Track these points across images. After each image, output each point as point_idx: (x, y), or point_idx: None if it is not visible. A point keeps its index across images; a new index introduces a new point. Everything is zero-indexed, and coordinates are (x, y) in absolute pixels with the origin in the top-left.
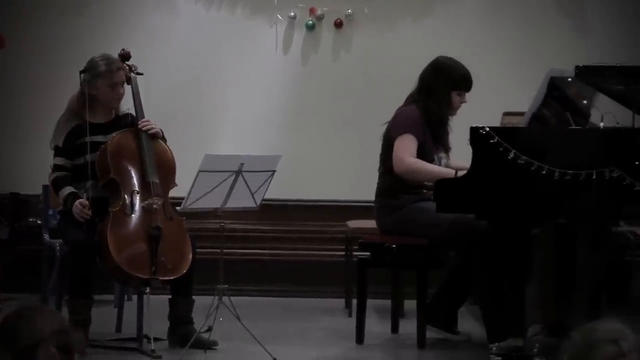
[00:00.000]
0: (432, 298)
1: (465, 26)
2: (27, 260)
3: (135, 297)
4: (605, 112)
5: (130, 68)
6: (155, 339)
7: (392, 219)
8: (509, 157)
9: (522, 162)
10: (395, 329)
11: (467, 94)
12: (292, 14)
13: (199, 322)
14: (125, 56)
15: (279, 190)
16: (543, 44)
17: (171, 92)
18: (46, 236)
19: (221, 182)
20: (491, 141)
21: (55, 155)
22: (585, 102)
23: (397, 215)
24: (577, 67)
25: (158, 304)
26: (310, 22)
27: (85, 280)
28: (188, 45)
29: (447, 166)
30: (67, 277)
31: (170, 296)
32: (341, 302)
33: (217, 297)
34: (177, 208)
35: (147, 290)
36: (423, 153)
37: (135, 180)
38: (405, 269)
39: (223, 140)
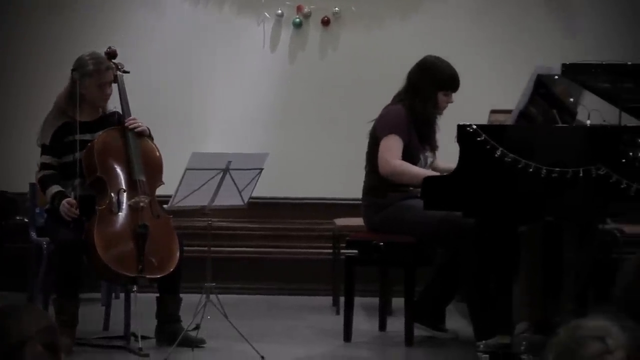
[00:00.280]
0: (420, 296)
1: (452, 24)
2: (13, 259)
3: (122, 296)
4: (592, 110)
5: (117, 66)
6: (143, 337)
7: (379, 217)
8: (496, 155)
9: (509, 159)
10: (382, 326)
11: (454, 93)
12: (280, 11)
13: (186, 320)
14: (111, 54)
15: (267, 188)
16: (530, 42)
17: (158, 90)
18: (33, 234)
19: (208, 180)
20: (478, 139)
21: (42, 153)
22: (571, 99)
23: (384, 213)
24: (563, 65)
25: (145, 302)
26: (298, 19)
27: (72, 279)
28: (175, 43)
29: (433, 166)
30: (54, 276)
31: (157, 294)
32: (329, 299)
33: (204, 295)
34: (165, 206)
35: (135, 288)
36: (409, 153)
37: (122, 179)
38: (393, 266)
39: (210, 138)
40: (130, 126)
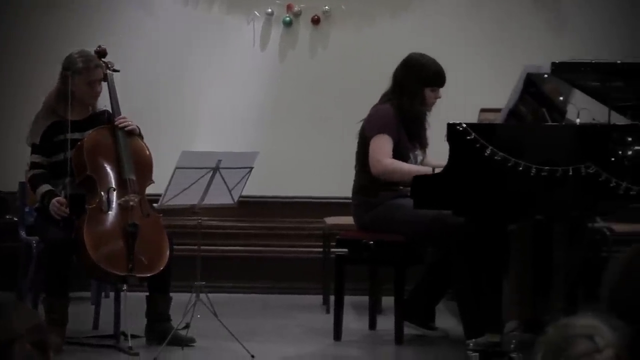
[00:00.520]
0: (410, 294)
1: (442, 22)
2: (3, 258)
3: (112, 294)
4: (582, 109)
5: (107, 65)
6: (133, 336)
7: (369, 216)
8: (486, 154)
9: (499, 158)
10: (372, 325)
11: (443, 90)
12: (270, 10)
13: (176, 319)
14: (101, 53)
15: (257, 186)
16: (520, 41)
17: (148, 88)
18: (22, 233)
19: (198, 179)
20: (468, 138)
21: (32, 152)
22: (561, 98)
23: (374, 212)
24: (553, 64)
25: (135, 301)
26: (288, 18)
27: (62, 277)
28: (165, 42)
29: (424, 163)
30: (44, 275)
31: (147, 293)
32: (319, 298)
33: (194, 294)
34: (155, 205)
35: (125, 287)
36: (398, 152)
37: (111, 178)
38: (383, 265)
39: (200, 137)
40: (120, 125)
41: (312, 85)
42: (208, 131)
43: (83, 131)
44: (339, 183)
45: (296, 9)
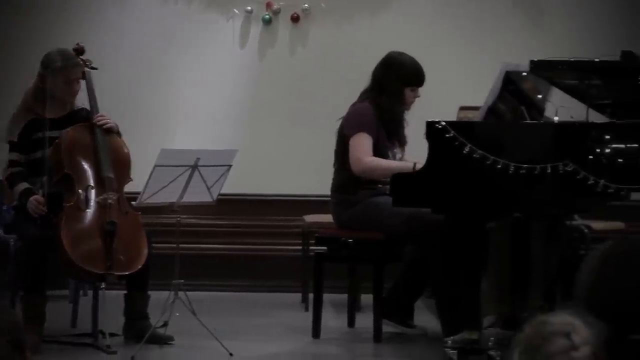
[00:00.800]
0: (388, 292)
1: (422, 20)
2: None
3: (90, 293)
4: (560, 106)
5: (85, 62)
6: (111, 335)
7: (348, 214)
8: (465, 152)
9: (478, 156)
10: (351, 323)
11: (422, 88)
12: (249, 8)
13: (154, 318)
14: (79, 51)
15: (236, 184)
16: (499, 39)
17: (126, 86)
18: (0, 232)
19: (177, 177)
20: (447, 135)
21: (10, 150)
22: (539, 96)
23: (353, 210)
24: (531, 62)
25: (113, 299)
26: (267, 16)
27: (40, 276)
28: (143, 39)
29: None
30: (21, 273)
31: (125, 291)
32: (298, 296)
33: (173, 292)
34: (133, 203)
35: (103, 285)
36: (377, 150)
37: (89, 175)
38: (362, 263)
39: (179, 135)
40: (99, 123)
41: (291, 83)
42: (187, 129)
43: (61, 129)
44: (318, 181)
45: (275, 6)
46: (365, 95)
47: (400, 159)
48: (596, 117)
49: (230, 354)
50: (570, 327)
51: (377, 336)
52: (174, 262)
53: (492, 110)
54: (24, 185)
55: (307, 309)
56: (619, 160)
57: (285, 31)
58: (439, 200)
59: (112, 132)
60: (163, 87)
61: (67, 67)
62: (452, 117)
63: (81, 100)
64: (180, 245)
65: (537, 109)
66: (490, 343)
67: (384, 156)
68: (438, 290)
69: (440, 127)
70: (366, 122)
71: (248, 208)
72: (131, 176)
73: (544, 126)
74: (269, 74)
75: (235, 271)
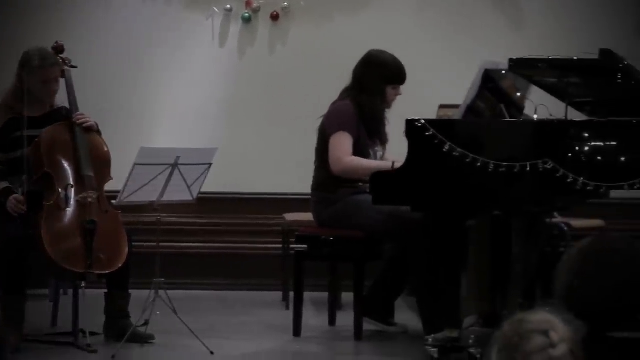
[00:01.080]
0: (369, 290)
1: (401, 18)
2: None
3: (70, 292)
4: (539, 104)
5: (65, 61)
6: (91, 334)
7: (328, 213)
8: (445, 150)
9: (458, 154)
10: (332, 321)
11: (402, 86)
12: (229, 6)
13: (135, 316)
14: (59, 49)
15: (216, 183)
16: (478, 37)
17: (106, 85)
18: None
19: (157, 175)
20: (427, 134)
21: None
22: (519, 94)
23: (333, 208)
24: (510, 60)
25: (94, 298)
26: (247, 14)
27: (19, 275)
28: (123, 38)
29: (383, 159)
30: (1, 272)
31: (106, 290)
32: (278, 295)
33: (153, 291)
34: (113, 201)
35: (83, 284)
36: (359, 148)
37: (69, 174)
38: (342, 261)
39: (159, 133)
40: (78, 121)
41: (271, 81)
42: (167, 127)
43: (41, 128)
44: (298, 179)
45: (255, 5)
46: (346, 93)
47: (382, 157)
48: (575, 115)
49: (211, 353)
50: (548, 324)
51: (358, 334)
52: (155, 261)
53: (471, 109)
54: (3, 184)
55: (287, 308)
56: (598, 158)
57: (265, 29)
58: (418, 199)
59: (91, 130)
60: (143, 86)
61: (44, 67)
62: (432, 115)
63: (61, 99)
64: (161, 244)
65: (517, 107)
66: (470, 341)
67: (365, 154)
68: (418, 288)
69: (420, 125)
70: (347, 121)
71: (228, 206)
72: (111, 175)
73: (523, 124)
74: (249, 73)
75: (215, 270)
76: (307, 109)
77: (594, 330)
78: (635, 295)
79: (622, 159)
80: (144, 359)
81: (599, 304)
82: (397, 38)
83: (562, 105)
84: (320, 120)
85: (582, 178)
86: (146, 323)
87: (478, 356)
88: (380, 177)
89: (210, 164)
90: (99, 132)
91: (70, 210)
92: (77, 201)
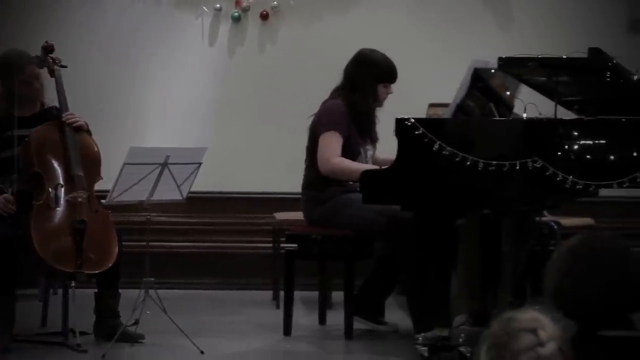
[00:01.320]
0: (359, 289)
1: (390, 17)
2: None
3: (60, 291)
4: (528, 103)
5: (54, 61)
6: (81, 333)
7: (318, 211)
8: (434, 149)
9: (447, 153)
10: (322, 320)
11: (392, 85)
12: (218, 5)
13: (125, 316)
14: (48, 49)
15: (206, 182)
16: (467, 36)
17: (96, 84)
18: None
19: (147, 175)
20: (416, 132)
21: None
22: (508, 93)
23: (323, 207)
24: (500, 59)
25: (84, 298)
26: (236, 13)
27: (9, 275)
28: (113, 37)
29: (373, 158)
30: None
31: (96, 290)
32: (269, 294)
33: (143, 291)
34: (103, 201)
35: (73, 284)
36: (349, 148)
37: (59, 174)
38: (332, 260)
39: (149, 133)
40: (68, 121)
41: (261, 80)
42: (156, 127)
43: (31, 127)
44: (288, 178)
45: (245, 4)
46: (337, 92)
47: (372, 156)
48: (564, 114)
49: (201, 352)
50: (537, 323)
51: (348, 333)
52: (145, 260)
53: (461, 107)
54: None
55: (278, 307)
56: (587, 156)
57: (255, 29)
58: (408, 197)
59: (81, 130)
60: (132, 85)
61: (19, 66)
62: (422, 114)
63: (51, 99)
64: (151, 244)
65: (506, 105)
66: (460, 339)
67: (356, 153)
68: (408, 287)
69: (409, 124)
70: (337, 120)
71: (218, 206)
72: (101, 174)
73: (512, 123)
74: (239, 72)
75: (205, 269)
76: (297, 108)
77: (584, 329)
78: (625, 294)
79: (611, 157)
80: (134, 358)
81: (588, 303)
82: (387, 37)
83: (552, 103)
84: (311, 119)
85: (571, 176)
86: (136, 322)
87: (468, 355)
88: (370, 176)
89: (200, 163)
90: (89, 132)
91: (60, 210)
92: (67, 201)
